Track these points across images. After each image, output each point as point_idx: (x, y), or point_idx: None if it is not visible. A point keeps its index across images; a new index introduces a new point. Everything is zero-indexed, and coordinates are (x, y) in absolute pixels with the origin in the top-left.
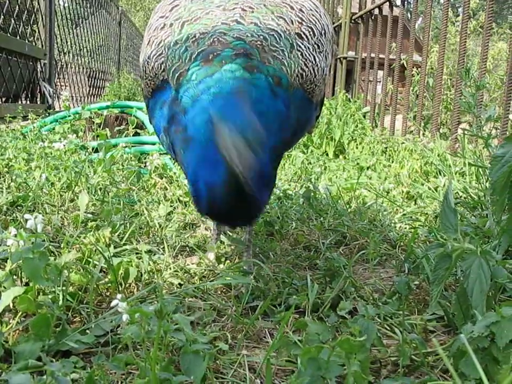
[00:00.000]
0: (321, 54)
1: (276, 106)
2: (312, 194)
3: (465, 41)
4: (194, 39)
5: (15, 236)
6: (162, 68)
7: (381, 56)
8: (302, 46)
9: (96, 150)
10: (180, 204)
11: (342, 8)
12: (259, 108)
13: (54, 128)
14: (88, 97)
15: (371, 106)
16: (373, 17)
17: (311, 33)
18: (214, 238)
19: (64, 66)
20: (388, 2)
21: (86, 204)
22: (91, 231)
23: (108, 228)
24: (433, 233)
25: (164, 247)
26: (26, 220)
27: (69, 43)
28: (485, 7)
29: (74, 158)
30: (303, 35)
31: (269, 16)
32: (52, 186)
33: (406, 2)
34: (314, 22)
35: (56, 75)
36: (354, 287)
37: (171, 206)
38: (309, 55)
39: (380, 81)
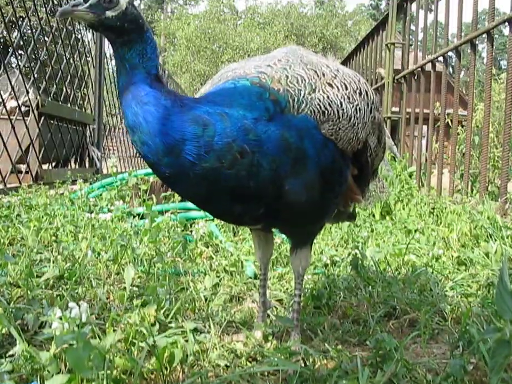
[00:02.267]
0: (351, 105)
1: (255, 104)
2: (359, 262)
3: (511, 97)
4: (225, 76)
5: (60, 318)
6: None
7: (425, 111)
8: (330, 92)
9: (142, 216)
10: (226, 274)
11: (383, 69)
12: (238, 99)
13: (101, 194)
14: (135, 159)
15: (417, 165)
16: (415, 77)
17: (343, 86)
18: (260, 315)
19: (112, 129)
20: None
21: (132, 277)
22: (136, 308)
23: (153, 305)
24: (487, 306)
25: (210, 324)
26: (71, 309)
27: (117, 105)
28: None
29: (120, 230)
30: (333, 85)
31: (301, 67)
32: (98, 257)
33: (448, 60)
34: (349, 81)
35: (104, 138)
36: (406, 368)
37: (217, 276)
38: (336, 99)
39: (424, 136)
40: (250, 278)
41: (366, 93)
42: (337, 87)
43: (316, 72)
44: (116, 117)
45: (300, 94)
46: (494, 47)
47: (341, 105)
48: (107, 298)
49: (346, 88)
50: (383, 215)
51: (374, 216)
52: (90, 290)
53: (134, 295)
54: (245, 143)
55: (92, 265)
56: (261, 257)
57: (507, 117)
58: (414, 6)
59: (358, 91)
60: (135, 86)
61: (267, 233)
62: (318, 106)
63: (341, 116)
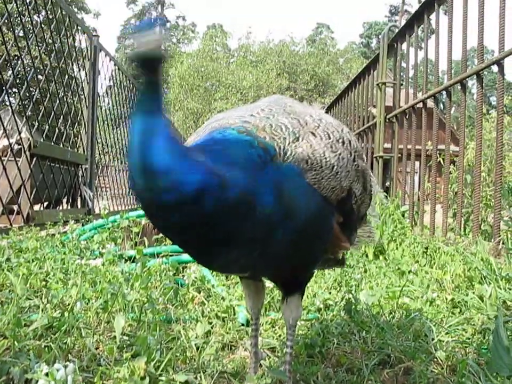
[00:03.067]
0: (333, 154)
1: (249, 152)
2: (353, 306)
3: (502, 137)
4: (210, 127)
5: (47, 374)
6: None
7: (418, 147)
8: (313, 141)
9: (134, 259)
10: (218, 320)
11: (375, 108)
12: (233, 147)
13: (92, 236)
14: (127, 198)
15: (410, 203)
16: (407, 116)
17: (326, 136)
18: (252, 366)
19: (105, 167)
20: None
21: (122, 327)
22: (126, 361)
23: (144, 357)
24: (483, 354)
25: (201, 375)
26: (58, 370)
27: (109, 144)
28: None
29: (111, 274)
30: (316, 135)
31: (284, 116)
32: (89, 304)
33: (439, 99)
34: (332, 131)
35: (97, 178)
36: None
37: (209, 323)
38: (319, 148)
39: (417, 172)
40: (243, 325)
41: (349, 142)
42: (320, 136)
43: (298, 121)
44: (109, 156)
45: (285, 142)
46: (484, 84)
47: (324, 154)
48: (96, 349)
49: (329, 138)
50: (377, 255)
51: (367, 256)
52: (80, 340)
53: (124, 345)
54: (250, 190)
55: (81, 313)
56: (252, 307)
57: (498, 156)
58: (404, 44)
59: (340, 140)
60: (157, 134)
61: (257, 282)
62: (302, 155)
63: (323, 165)
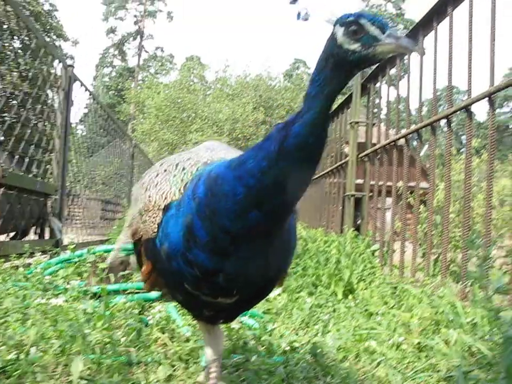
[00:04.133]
0: None
1: None
2: (319, 350)
3: (470, 179)
4: (190, 164)
5: None
6: (164, 197)
7: (389, 183)
8: None
9: (99, 296)
10: (181, 363)
11: (348, 147)
12: None
13: (57, 271)
14: (98, 228)
15: (380, 242)
16: (378, 156)
17: None
18: None
19: (76, 196)
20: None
21: (80, 370)
22: None
23: None
24: None
25: None
26: None
27: (82, 172)
28: (487, 146)
29: (74, 313)
30: None
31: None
32: (48, 343)
33: (409, 140)
34: None
35: (67, 208)
36: None
37: (172, 366)
38: None
39: (389, 208)
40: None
41: None
42: None
43: None
44: (80, 185)
45: None
46: (455, 123)
47: None
48: None
49: None
50: (346, 294)
51: (336, 295)
52: None
53: None
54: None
55: (38, 355)
56: (211, 355)
57: (466, 198)
58: (377, 84)
59: None
60: None
61: (215, 328)
62: None
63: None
